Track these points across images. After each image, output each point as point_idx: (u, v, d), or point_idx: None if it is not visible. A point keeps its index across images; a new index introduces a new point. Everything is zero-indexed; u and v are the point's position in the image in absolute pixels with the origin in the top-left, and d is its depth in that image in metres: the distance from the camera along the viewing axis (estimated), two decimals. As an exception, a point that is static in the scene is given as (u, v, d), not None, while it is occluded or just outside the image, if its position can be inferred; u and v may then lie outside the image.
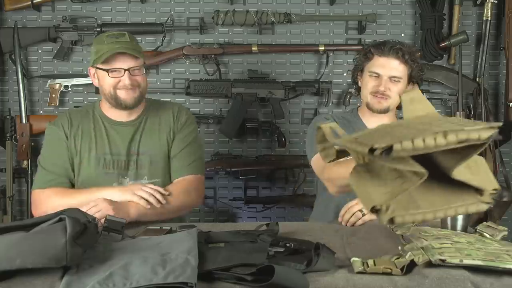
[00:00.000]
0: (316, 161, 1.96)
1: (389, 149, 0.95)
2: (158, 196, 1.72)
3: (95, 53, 1.84)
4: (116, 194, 1.71)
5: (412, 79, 1.98)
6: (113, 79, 1.82)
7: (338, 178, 1.76)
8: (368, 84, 1.96)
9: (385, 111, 1.96)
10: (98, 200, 1.66)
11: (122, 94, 1.84)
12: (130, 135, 1.91)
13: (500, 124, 1.08)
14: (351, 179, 1.04)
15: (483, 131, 1.01)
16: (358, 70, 2.04)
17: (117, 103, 1.86)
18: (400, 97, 1.40)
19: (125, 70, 1.81)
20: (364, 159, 1.05)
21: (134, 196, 1.70)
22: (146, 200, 1.70)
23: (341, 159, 1.36)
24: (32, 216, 2.77)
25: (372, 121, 2.00)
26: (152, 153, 1.91)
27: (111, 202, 1.66)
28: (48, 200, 1.80)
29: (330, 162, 1.17)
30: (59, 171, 1.87)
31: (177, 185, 1.88)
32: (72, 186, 1.89)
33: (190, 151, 1.94)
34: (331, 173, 1.81)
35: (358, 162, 1.06)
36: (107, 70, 1.81)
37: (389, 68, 1.92)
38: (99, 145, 1.89)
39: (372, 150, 0.96)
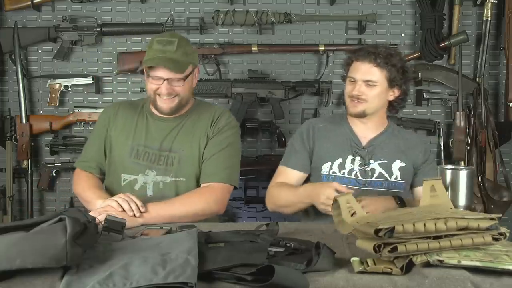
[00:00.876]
0: (278, 173, 2.04)
1: (391, 230, 1.12)
2: (133, 207, 1.67)
3: (146, 53, 1.90)
4: (100, 203, 1.76)
5: (393, 83, 1.95)
6: (153, 85, 1.88)
7: (283, 202, 1.92)
8: (346, 88, 2.00)
9: (360, 115, 1.96)
10: (108, 208, 1.68)
11: (160, 102, 1.91)
12: (168, 131, 1.96)
13: (500, 215, 1.24)
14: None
15: (482, 221, 1.13)
16: (345, 77, 2.06)
17: (155, 107, 1.95)
18: (423, 182, 1.44)
19: (164, 79, 1.85)
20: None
21: (113, 202, 1.69)
22: (121, 206, 1.69)
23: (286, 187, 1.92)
24: (32, 216, 2.80)
25: (358, 125, 2.02)
26: (183, 153, 1.94)
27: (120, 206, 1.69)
28: (75, 180, 2.02)
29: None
30: (91, 156, 2.03)
31: (199, 192, 1.87)
32: (102, 172, 2.03)
33: (222, 158, 1.91)
34: (280, 195, 1.94)
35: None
36: (149, 76, 1.88)
37: (363, 72, 1.93)
38: (137, 136, 1.97)
39: (377, 231, 1.12)
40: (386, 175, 1.96)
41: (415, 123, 2.95)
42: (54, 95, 2.82)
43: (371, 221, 1.22)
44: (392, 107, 2.04)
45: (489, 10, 2.85)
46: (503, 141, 2.90)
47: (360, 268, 1.16)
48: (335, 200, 1.38)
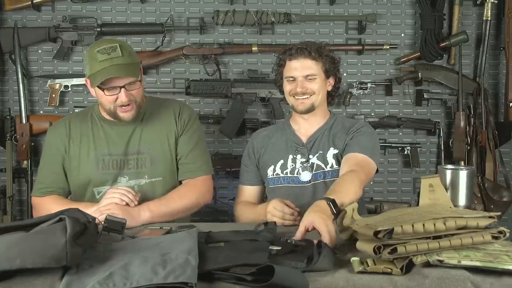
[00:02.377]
0: (238, 192, 2.09)
1: (390, 232, 1.13)
2: (130, 196, 1.72)
3: (89, 68, 1.79)
4: (94, 208, 1.70)
5: (328, 73, 1.99)
6: (110, 96, 1.80)
7: (246, 221, 1.90)
8: (286, 88, 2.00)
9: (310, 109, 1.97)
10: (111, 205, 1.67)
11: (121, 113, 1.83)
12: (129, 134, 1.91)
13: (499, 213, 1.25)
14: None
15: (481, 220, 1.14)
16: (278, 80, 2.07)
17: (116, 118, 1.87)
18: (421, 181, 1.44)
19: (120, 87, 1.78)
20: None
21: (113, 198, 1.70)
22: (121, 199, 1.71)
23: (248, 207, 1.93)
24: (32, 216, 2.79)
25: (300, 124, 2.03)
26: (153, 152, 1.91)
27: (123, 207, 1.68)
28: (45, 208, 1.86)
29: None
30: (50, 181, 1.92)
31: (191, 187, 1.92)
32: (67, 193, 1.96)
33: (199, 152, 1.96)
34: (244, 215, 1.96)
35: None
36: (103, 89, 1.79)
37: (301, 68, 1.95)
38: (98, 146, 1.90)
39: (376, 233, 1.13)
40: (323, 165, 1.95)
41: (415, 123, 2.95)
42: (54, 95, 2.82)
43: (370, 223, 1.22)
44: (331, 97, 2.07)
45: (489, 10, 2.85)
46: (503, 141, 2.90)
47: (360, 268, 1.16)
48: (344, 211, 1.41)
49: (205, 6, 2.88)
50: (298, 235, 1.35)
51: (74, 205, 1.70)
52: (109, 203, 1.69)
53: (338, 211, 1.33)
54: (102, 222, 1.37)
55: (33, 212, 1.96)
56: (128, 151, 1.90)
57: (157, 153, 1.91)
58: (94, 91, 1.84)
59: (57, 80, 2.83)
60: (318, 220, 1.34)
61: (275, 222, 1.48)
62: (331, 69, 1.99)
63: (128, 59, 1.78)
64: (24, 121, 2.79)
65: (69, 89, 2.85)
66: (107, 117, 1.92)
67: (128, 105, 1.81)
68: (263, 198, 2.12)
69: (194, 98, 2.88)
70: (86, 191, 1.91)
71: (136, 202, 1.72)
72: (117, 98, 1.79)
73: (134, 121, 1.91)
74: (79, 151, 1.90)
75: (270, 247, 1.24)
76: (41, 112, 2.89)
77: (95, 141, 1.90)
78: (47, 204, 1.87)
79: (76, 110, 2.81)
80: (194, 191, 1.90)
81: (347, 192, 1.56)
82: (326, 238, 1.29)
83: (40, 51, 2.88)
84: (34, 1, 2.77)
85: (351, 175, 1.72)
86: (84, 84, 2.83)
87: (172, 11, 2.87)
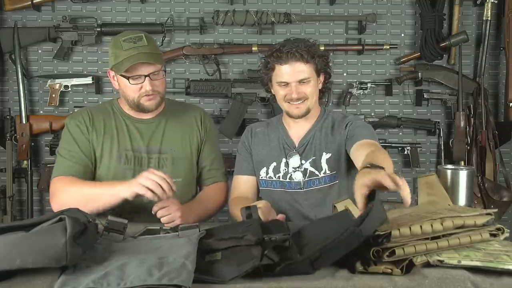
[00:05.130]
0: (234, 184, 2.02)
1: (388, 235, 1.13)
2: (165, 186, 1.59)
3: (114, 58, 1.80)
4: (125, 188, 1.63)
5: (320, 72, 1.92)
6: (135, 85, 1.81)
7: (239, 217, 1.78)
8: (279, 93, 1.91)
9: (305, 114, 1.91)
10: (171, 203, 1.65)
11: (145, 101, 1.84)
12: (150, 132, 1.92)
13: (495, 210, 1.23)
14: None
15: (478, 218, 1.13)
16: (266, 82, 1.98)
17: (140, 109, 1.87)
18: (418, 180, 1.44)
19: (145, 76, 1.80)
20: None
21: (141, 188, 1.59)
22: (152, 192, 1.59)
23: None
24: (32, 216, 2.80)
25: (291, 125, 1.98)
26: (174, 153, 1.92)
27: (181, 208, 1.67)
28: (64, 189, 1.76)
29: None
30: (77, 160, 1.84)
31: (217, 191, 1.98)
32: (91, 177, 1.86)
33: (219, 159, 2.04)
34: (238, 212, 1.78)
35: None
36: (127, 78, 1.80)
37: (294, 73, 1.86)
38: (121, 141, 1.89)
39: (375, 237, 1.14)
40: (316, 172, 1.91)
41: (415, 123, 2.95)
42: (54, 95, 2.82)
43: None
44: (322, 93, 2.00)
45: (489, 10, 2.85)
46: (503, 141, 2.90)
47: (360, 268, 1.16)
48: (334, 206, 1.42)
49: (205, 6, 2.88)
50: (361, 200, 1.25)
51: (92, 186, 1.75)
52: (173, 202, 1.65)
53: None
54: (106, 220, 1.36)
55: (51, 200, 1.80)
56: (149, 149, 1.90)
57: (179, 154, 1.92)
58: (117, 82, 1.86)
59: (57, 80, 2.83)
60: (373, 175, 1.26)
61: (259, 218, 1.42)
62: (322, 66, 1.92)
63: (153, 48, 1.83)
64: (24, 121, 2.79)
65: (69, 89, 2.85)
66: (129, 112, 1.92)
67: (152, 94, 1.83)
68: (258, 190, 2.06)
69: (194, 98, 2.89)
70: None
71: (170, 193, 1.60)
72: (141, 88, 1.81)
73: (155, 119, 1.92)
74: (102, 144, 1.88)
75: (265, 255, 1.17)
76: (41, 112, 2.90)
77: (119, 136, 1.89)
78: (66, 186, 1.77)
79: (76, 110, 2.82)
80: (222, 195, 1.99)
81: (385, 160, 1.48)
82: (396, 182, 1.22)
83: (40, 51, 2.88)
84: (34, 1, 2.77)
85: (377, 147, 1.69)
86: (84, 84, 2.86)
87: (172, 11, 2.87)
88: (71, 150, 1.86)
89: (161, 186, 1.58)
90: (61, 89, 2.83)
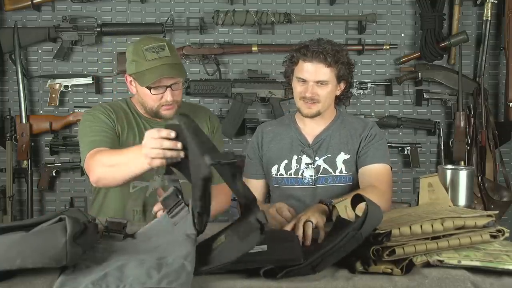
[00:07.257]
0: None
1: (388, 234, 1.14)
2: (169, 144, 1.39)
3: (135, 66, 1.77)
4: (139, 164, 1.49)
5: (341, 79, 1.92)
6: (156, 96, 1.79)
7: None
8: (296, 89, 1.93)
9: (315, 115, 1.92)
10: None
11: (164, 111, 1.82)
12: None
13: (496, 212, 1.24)
14: None
15: (479, 219, 1.14)
16: (288, 74, 1.99)
17: (157, 116, 1.85)
18: (420, 180, 1.46)
19: (167, 87, 1.78)
20: None
21: (153, 161, 1.41)
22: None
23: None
24: (33, 216, 2.80)
25: (306, 123, 1.99)
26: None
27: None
28: (98, 162, 1.65)
29: None
30: (105, 134, 1.79)
31: (220, 192, 1.90)
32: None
33: None
34: None
35: None
36: (149, 88, 1.77)
37: (314, 73, 1.87)
38: (141, 140, 1.82)
39: (375, 236, 1.14)
40: (330, 170, 1.92)
41: (415, 123, 2.95)
42: (54, 95, 2.82)
43: None
44: (339, 99, 2.01)
45: (489, 10, 2.85)
46: (503, 141, 2.90)
47: (360, 268, 1.16)
48: (333, 207, 1.45)
49: (205, 6, 2.88)
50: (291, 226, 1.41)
51: (123, 152, 1.57)
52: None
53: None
54: (105, 220, 1.36)
55: (90, 178, 1.69)
56: None
57: None
58: (135, 89, 1.83)
59: (57, 80, 2.83)
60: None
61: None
62: (345, 74, 1.92)
63: (176, 59, 1.80)
64: (24, 121, 2.79)
65: (69, 89, 2.85)
66: (143, 113, 1.90)
67: (171, 104, 1.81)
68: (267, 193, 2.09)
69: (194, 98, 2.88)
70: None
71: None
72: (161, 97, 1.79)
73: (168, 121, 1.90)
74: (126, 137, 1.85)
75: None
76: (41, 112, 2.89)
77: (139, 134, 1.86)
78: (98, 159, 1.65)
79: (76, 110, 2.83)
80: (225, 196, 1.95)
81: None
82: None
83: (40, 51, 2.88)
84: (34, 1, 2.77)
85: (371, 190, 1.73)
86: (84, 84, 2.86)
87: (172, 11, 2.87)
88: (98, 129, 1.79)
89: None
90: (61, 89, 2.83)
